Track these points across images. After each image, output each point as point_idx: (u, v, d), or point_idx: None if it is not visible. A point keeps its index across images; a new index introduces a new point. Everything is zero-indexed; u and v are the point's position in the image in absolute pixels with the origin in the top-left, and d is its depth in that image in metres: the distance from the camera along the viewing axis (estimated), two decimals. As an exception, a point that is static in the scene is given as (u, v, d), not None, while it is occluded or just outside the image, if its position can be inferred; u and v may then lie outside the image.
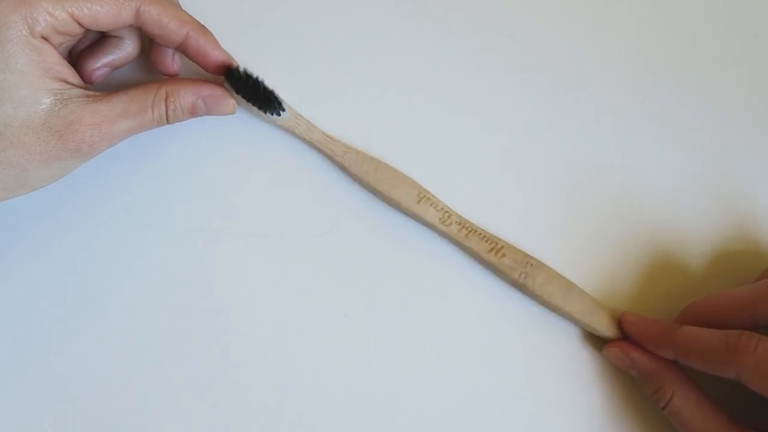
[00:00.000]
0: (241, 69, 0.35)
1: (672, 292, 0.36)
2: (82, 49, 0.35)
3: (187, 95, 0.34)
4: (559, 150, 0.38)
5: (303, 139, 0.36)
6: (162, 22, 0.32)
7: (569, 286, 0.35)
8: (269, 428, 0.35)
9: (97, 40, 0.35)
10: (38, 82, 0.30)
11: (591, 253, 0.37)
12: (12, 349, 0.35)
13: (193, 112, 0.34)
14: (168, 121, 0.34)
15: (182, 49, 0.34)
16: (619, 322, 0.35)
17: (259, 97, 0.35)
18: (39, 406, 0.34)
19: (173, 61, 0.35)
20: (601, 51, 0.39)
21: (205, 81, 0.35)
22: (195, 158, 0.37)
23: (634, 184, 0.38)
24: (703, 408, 0.31)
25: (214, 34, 0.34)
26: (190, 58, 0.34)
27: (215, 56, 0.34)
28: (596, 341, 0.36)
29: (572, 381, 0.36)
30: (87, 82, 0.34)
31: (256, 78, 0.35)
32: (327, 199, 0.37)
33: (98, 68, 0.34)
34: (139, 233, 0.36)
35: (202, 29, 0.34)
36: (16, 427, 0.34)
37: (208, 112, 0.35)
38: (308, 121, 0.36)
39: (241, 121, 0.37)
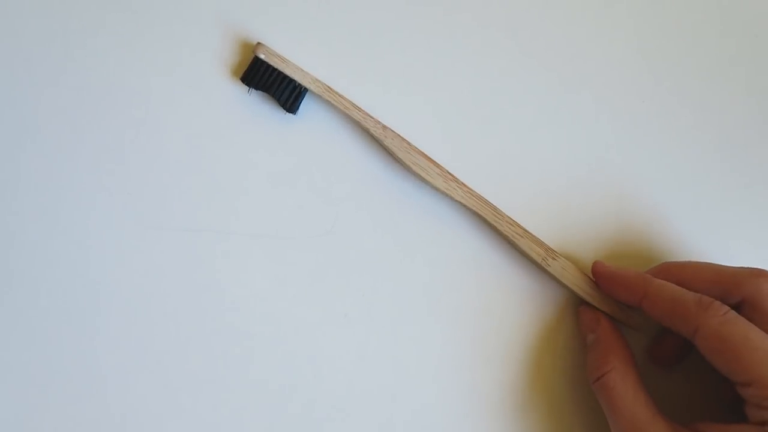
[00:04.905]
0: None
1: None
2: None
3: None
4: (558, 149, 0.38)
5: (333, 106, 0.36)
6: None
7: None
8: (269, 428, 0.35)
9: None
10: None
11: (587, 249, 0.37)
12: (12, 349, 0.35)
13: None
14: None
15: None
16: (592, 270, 0.35)
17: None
18: (39, 406, 0.34)
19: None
20: (601, 51, 0.39)
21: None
22: (195, 158, 0.37)
23: (634, 183, 0.38)
24: (636, 391, 0.32)
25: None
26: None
27: None
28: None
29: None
30: None
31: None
32: (327, 198, 0.37)
33: None
34: (139, 233, 0.36)
35: None
36: (16, 427, 0.34)
37: None
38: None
39: (241, 120, 0.37)
